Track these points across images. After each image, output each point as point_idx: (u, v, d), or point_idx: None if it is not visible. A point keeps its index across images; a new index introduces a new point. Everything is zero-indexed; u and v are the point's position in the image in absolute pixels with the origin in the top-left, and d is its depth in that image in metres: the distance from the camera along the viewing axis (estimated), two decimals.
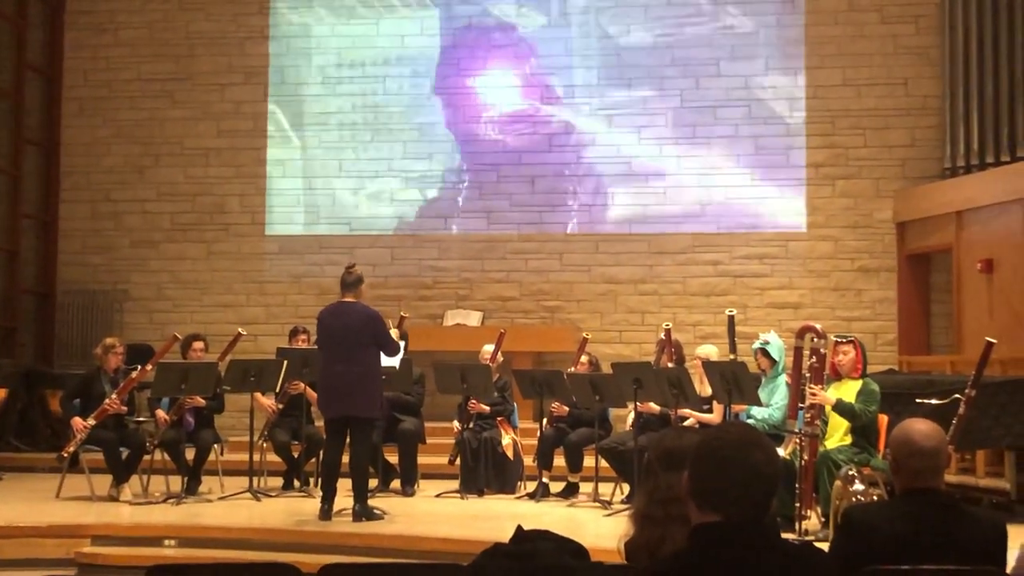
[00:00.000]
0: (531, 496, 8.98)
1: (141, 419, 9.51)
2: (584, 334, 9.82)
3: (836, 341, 7.53)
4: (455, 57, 12.73)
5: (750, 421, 7.71)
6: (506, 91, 12.62)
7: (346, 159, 12.79)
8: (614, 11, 12.51)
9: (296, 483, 9.27)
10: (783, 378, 7.93)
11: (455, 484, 9.12)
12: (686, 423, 8.14)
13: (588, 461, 8.94)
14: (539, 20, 12.63)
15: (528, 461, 9.38)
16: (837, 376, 7.43)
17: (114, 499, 8.58)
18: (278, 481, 9.38)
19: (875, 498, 5.55)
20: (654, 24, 12.45)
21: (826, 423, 7.29)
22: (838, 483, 5.82)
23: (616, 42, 12.49)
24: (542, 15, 12.63)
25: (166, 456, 8.95)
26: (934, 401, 7.28)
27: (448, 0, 12.75)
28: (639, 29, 12.46)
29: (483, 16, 12.72)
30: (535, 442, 9.22)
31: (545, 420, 9.19)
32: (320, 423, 8.84)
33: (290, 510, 8.29)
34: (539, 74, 12.57)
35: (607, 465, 8.72)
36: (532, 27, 12.63)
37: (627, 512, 3.03)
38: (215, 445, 9.13)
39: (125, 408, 8.81)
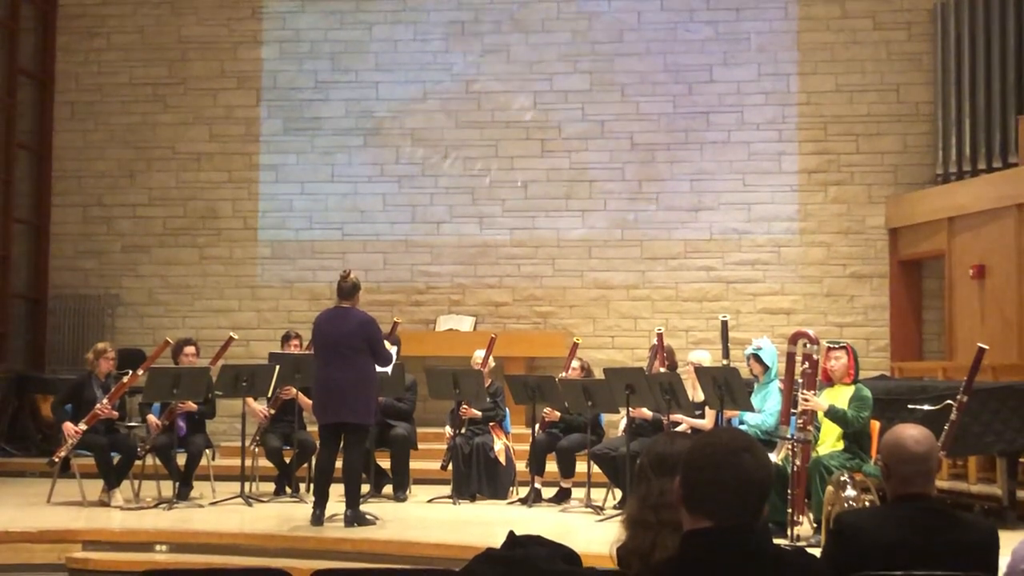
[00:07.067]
0: (523, 501, 8.96)
1: (132, 424, 9.48)
2: (575, 339, 9.82)
3: (828, 347, 7.53)
4: (448, 62, 12.74)
5: (743, 427, 7.71)
6: (498, 96, 12.61)
7: (338, 164, 12.77)
8: (607, 17, 12.53)
9: (288, 488, 9.24)
10: (776, 384, 7.93)
11: (447, 489, 9.10)
12: (678, 429, 8.14)
13: (580, 467, 8.95)
14: (532, 26, 12.64)
15: (520, 466, 9.38)
16: (829, 382, 7.43)
17: (105, 504, 8.55)
18: (270, 486, 9.36)
19: (867, 504, 5.55)
20: (647, 30, 12.47)
21: (818, 429, 7.29)
22: (830, 489, 5.81)
23: (608, 47, 12.51)
24: (535, 20, 12.64)
25: (157, 461, 8.91)
26: (926, 407, 7.29)
27: (441, 5, 12.77)
28: (632, 34, 12.48)
29: (476, 22, 12.72)
30: (527, 447, 9.24)
31: (537, 425, 9.21)
32: (313, 428, 8.82)
33: (282, 515, 8.27)
34: (532, 79, 12.57)
35: (599, 471, 8.71)
36: (525, 32, 12.64)
37: (619, 518, 3.02)
38: (206, 450, 9.11)
39: (116, 413, 8.77)
